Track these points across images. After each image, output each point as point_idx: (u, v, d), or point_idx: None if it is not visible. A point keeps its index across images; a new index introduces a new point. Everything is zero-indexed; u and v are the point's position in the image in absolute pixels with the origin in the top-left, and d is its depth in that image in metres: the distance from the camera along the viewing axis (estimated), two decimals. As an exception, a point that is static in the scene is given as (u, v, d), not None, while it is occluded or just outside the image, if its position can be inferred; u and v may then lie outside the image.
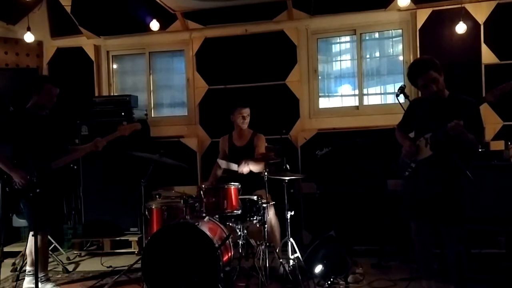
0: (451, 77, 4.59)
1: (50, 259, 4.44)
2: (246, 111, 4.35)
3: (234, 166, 4.12)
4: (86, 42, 5.65)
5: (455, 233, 3.00)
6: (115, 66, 5.83)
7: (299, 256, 3.78)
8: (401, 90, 2.96)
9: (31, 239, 3.48)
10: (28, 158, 3.15)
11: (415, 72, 3.01)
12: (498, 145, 4.24)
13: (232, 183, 3.77)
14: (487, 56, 4.64)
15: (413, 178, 3.10)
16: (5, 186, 3.47)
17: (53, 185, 3.64)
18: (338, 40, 5.51)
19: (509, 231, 3.70)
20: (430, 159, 2.97)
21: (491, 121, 4.56)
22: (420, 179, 3.05)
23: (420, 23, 4.80)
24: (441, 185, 2.97)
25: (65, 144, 3.81)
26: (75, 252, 4.82)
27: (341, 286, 3.45)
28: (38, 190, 3.27)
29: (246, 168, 4.09)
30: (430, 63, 2.99)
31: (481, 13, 4.64)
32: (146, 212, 3.75)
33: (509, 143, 4.28)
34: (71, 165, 5.05)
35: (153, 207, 3.72)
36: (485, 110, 4.54)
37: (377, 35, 5.36)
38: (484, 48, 4.64)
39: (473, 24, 4.64)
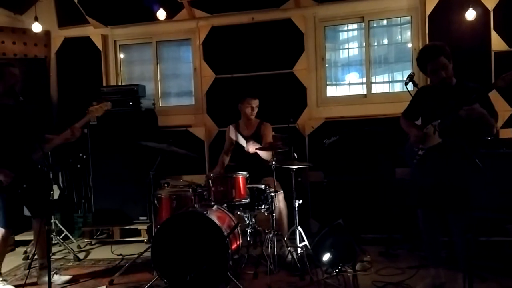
0: (460, 64, 4.55)
1: (61, 247, 4.53)
2: (255, 102, 4.35)
3: (242, 141, 4.24)
4: (93, 31, 5.65)
5: (463, 221, 2.98)
6: (122, 55, 5.84)
7: (307, 244, 3.81)
8: (410, 78, 2.93)
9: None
10: (9, 154, 3.07)
11: (426, 57, 2.97)
12: (507, 133, 4.22)
13: (240, 172, 3.79)
14: (497, 43, 4.58)
15: (421, 166, 3.08)
16: None
17: (38, 176, 3.56)
18: (346, 28, 5.47)
19: (518, 219, 3.70)
20: (439, 146, 2.94)
21: (500, 109, 4.50)
22: (429, 167, 3.04)
23: (429, 9, 4.74)
24: (450, 173, 2.95)
25: (42, 132, 3.62)
26: (86, 240, 4.88)
27: (349, 274, 3.47)
28: (24, 186, 3.31)
29: (252, 147, 4.13)
30: (441, 48, 2.96)
31: (490, 0, 4.57)
32: (155, 201, 3.79)
33: (519, 131, 4.27)
34: (80, 154, 5.12)
35: (162, 196, 3.76)
36: (494, 97, 4.48)
37: (385, 22, 5.31)
38: (494, 35, 4.58)
39: (483, 11, 4.58)
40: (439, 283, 3.11)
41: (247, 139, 4.25)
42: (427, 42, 4.70)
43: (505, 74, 2.69)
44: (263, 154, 4.17)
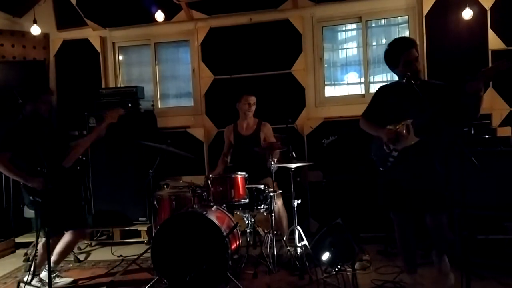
0: (457, 63, 4.63)
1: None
2: (252, 99, 4.37)
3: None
4: (92, 33, 5.66)
5: (443, 220, 2.95)
6: (121, 57, 5.85)
7: (306, 243, 3.82)
8: (407, 77, 2.90)
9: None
10: (43, 164, 3.06)
11: (400, 48, 2.89)
12: (505, 131, 4.24)
13: (239, 173, 3.81)
14: (494, 42, 4.60)
15: (396, 167, 2.96)
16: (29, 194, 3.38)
17: (69, 184, 3.63)
18: (344, 28, 5.48)
19: (516, 217, 3.71)
20: (415, 146, 2.84)
21: (498, 107, 4.55)
22: (405, 168, 2.91)
23: (426, 9, 4.76)
24: (428, 172, 2.89)
25: (67, 141, 3.74)
26: (86, 242, 4.89)
27: (348, 273, 3.48)
28: (50, 187, 3.28)
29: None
30: (414, 41, 2.96)
31: (487, -1, 4.61)
32: (155, 202, 3.80)
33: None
34: (80, 156, 5.12)
35: (162, 196, 3.77)
36: (492, 96, 4.55)
37: (383, 22, 5.33)
38: (491, 34, 4.61)
39: (480, 10, 4.60)
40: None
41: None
42: (425, 41, 4.73)
43: (485, 69, 2.62)
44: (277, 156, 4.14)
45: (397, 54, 2.90)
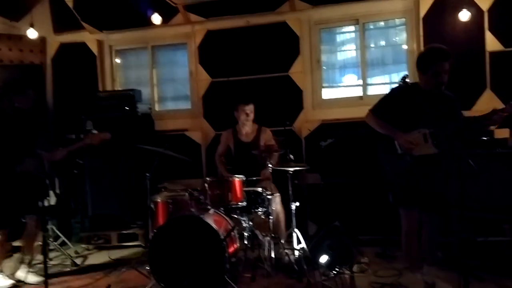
0: (455, 65, 4.59)
1: (58, 253, 4.51)
2: (250, 108, 4.35)
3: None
4: (89, 37, 5.66)
5: (438, 222, 3.10)
6: (118, 60, 5.85)
7: (305, 246, 3.81)
8: (403, 79, 2.94)
9: None
10: None
11: (435, 57, 2.93)
12: (503, 133, 4.22)
13: (236, 175, 3.79)
14: (492, 43, 4.60)
15: (409, 171, 3.01)
16: None
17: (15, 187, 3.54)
18: (341, 30, 5.48)
19: (515, 219, 3.70)
20: (433, 156, 2.92)
21: (496, 109, 4.54)
22: (418, 172, 2.97)
23: (423, 11, 4.76)
24: (440, 177, 2.98)
25: (31, 145, 3.64)
26: (83, 245, 4.87)
27: (346, 276, 3.47)
28: None
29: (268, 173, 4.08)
30: (450, 55, 2.97)
31: (484, 0, 4.59)
32: (152, 206, 3.78)
33: (514, 130, 4.27)
34: (76, 160, 5.11)
35: (159, 200, 3.75)
36: (490, 98, 4.53)
37: (381, 24, 5.33)
38: (488, 36, 4.60)
39: (477, 12, 4.59)
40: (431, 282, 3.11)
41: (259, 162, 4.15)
42: (422, 43, 4.72)
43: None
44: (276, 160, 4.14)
45: (430, 62, 2.94)
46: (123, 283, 3.65)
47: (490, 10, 4.58)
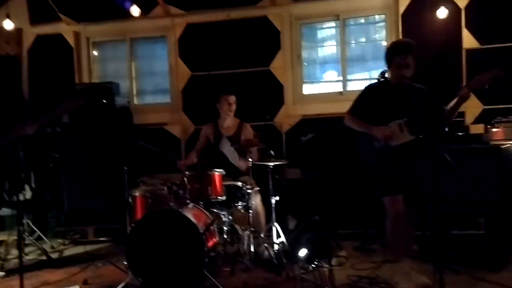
0: (432, 62, 4.69)
1: (34, 248, 4.41)
2: (232, 98, 4.34)
3: (233, 156, 4.15)
4: (66, 28, 5.55)
5: (414, 213, 3.15)
6: (95, 53, 5.75)
7: (284, 240, 3.82)
8: (383, 74, 2.98)
9: None
10: None
11: (396, 50, 3.04)
12: (478, 129, 4.31)
13: (216, 170, 3.77)
14: (468, 40, 4.67)
15: (389, 163, 3.06)
16: None
17: None
18: (322, 26, 5.50)
19: (489, 212, 3.79)
20: (409, 144, 3.00)
21: (472, 105, 4.62)
22: (397, 163, 3.05)
23: (402, 8, 4.80)
24: (417, 169, 3.06)
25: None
26: (59, 240, 4.78)
27: (325, 269, 3.49)
28: None
29: (244, 164, 4.07)
30: (412, 48, 3.04)
31: (462, -2, 4.68)
32: (130, 200, 3.73)
33: (489, 126, 4.37)
34: (52, 153, 5.02)
35: (137, 194, 3.69)
36: (466, 94, 4.61)
37: (361, 20, 5.36)
38: (465, 33, 4.68)
39: (454, 9, 4.66)
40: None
41: (239, 154, 4.14)
42: (401, 40, 4.77)
43: (479, 76, 2.75)
44: (243, 166, 4.13)
45: (392, 55, 3.04)
46: (100, 278, 3.60)
47: (467, 7, 4.65)
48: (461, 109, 4.51)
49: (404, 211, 3.10)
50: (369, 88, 3.24)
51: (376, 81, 3.16)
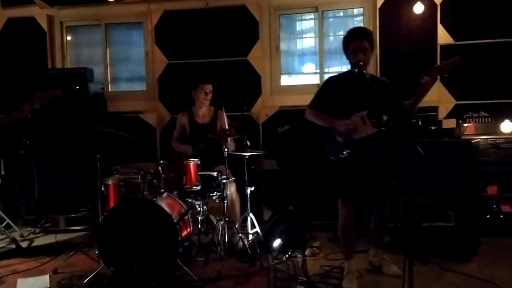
0: (409, 56, 4.75)
1: (2, 236, 4.31)
2: (209, 87, 4.31)
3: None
4: (39, 12, 5.37)
5: (388, 206, 3.13)
6: (69, 37, 5.60)
7: (258, 231, 3.83)
8: (359, 67, 2.94)
9: None
10: None
11: (352, 36, 3.00)
12: (450, 123, 4.41)
13: (191, 159, 3.75)
14: (443, 36, 4.74)
15: (350, 157, 2.98)
16: None
17: None
18: (301, 17, 5.49)
19: (458, 205, 3.89)
20: (373, 136, 2.95)
21: (444, 100, 4.72)
22: (359, 157, 2.97)
23: (380, 1, 4.84)
24: (383, 162, 3.04)
25: None
26: (29, 229, 4.68)
27: (298, 260, 3.52)
28: None
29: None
30: (368, 33, 3.03)
31: (438, -6, 4.74)
32: (103, 188, 3.67)
33: (460, 121, 4.48)
34: (23, 140, 4.88)
35: (110, 183, 3.64)
36: (439, 89, 4.70)
37: (340, 13, 5.37)
38: (440, 29, 4.74)
39: (430, 4, 4.72)
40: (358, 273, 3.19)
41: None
42: (378, 34, 4.81)
43: (439, 64, 2.78)
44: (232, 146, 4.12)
45: (348, 41, 2.99)
46: (70, 267, 3.53)
47: (442, 3, 4.72)
48: (434, 103, 4.67)
49: (352, 218, 3.10)
50: (330, 80, 3.20)
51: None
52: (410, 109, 2.96)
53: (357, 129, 2.93)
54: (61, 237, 4.40)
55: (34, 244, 4.33)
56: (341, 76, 3.20)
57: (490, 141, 4.22)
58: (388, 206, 3.17)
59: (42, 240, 4.47)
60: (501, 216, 4.09)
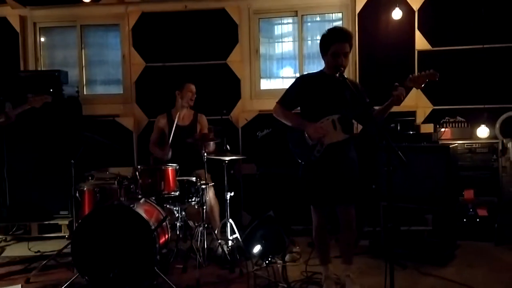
0: (385, 62, 4.80)
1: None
2: (194, 88, 4.29)
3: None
4: (11, 12, 5.23)
5: (353, 212, 3.00)
6: (42, 39, 5.45)
7: (238, 236, 3.78)
8: (340, 72, 2.89)
9: None
10: None
11: (334, 37, 2.83)
12: (428, 128, 4.45)
13: (170, 164, 3.67)
14: (420, 42, 4.81)
15: (319, 162, 2.89)
16: None
17: None
18: (280, 21, 5.48)
19: (436, 209, 3.94)
20: (343, 142, 2.89)
21: (422, 105, 4.78)
22: (327, 162, 2.89)
23: (359, 7, 4.88)
24: (353, 166, 2.97)
25: None
26: (0, 236, 4.53)
27: (278, 265, 3.49)
28: None
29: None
30: (350, 36, 2.89)
31: (416, 0, 4.78)
32: (77, 194, 3.56)
33: (438, 126, 4.53)
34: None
35: (85, 188, 3.53)
36: (417, 95, 4.76)
37: (318, 18, 5.40)
38: (418, 35, 4.81)
39: (408, 11, 4.78)
40: (336, 278, 3.15)
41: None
42: (357, 39, 4.83)
43: (415, 75, 2.72)
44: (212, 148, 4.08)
45: (329, 42, 2.84)
46: (43, 276, 3.42)
47: (420, 10, 4.79)
48: (412, 108, 4.72)
49: (324, 222, 3.06)
50: (303, 78, 3.11)
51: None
52: (379, 116, 2.86)
53: (328, 134, 2.84)
54: (33, 245, 4.27)
55: (5, 252, 4.19)
56: (314, 75, 3.05)
57: (467, 145, 4.29)
58: (354, 213, 3.01)
59: (14, 247, 4.34)
60: (478, 220, 4.16)
